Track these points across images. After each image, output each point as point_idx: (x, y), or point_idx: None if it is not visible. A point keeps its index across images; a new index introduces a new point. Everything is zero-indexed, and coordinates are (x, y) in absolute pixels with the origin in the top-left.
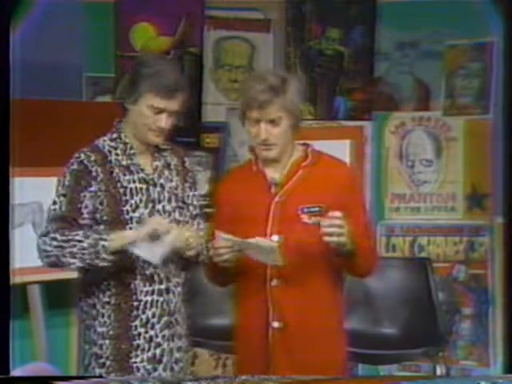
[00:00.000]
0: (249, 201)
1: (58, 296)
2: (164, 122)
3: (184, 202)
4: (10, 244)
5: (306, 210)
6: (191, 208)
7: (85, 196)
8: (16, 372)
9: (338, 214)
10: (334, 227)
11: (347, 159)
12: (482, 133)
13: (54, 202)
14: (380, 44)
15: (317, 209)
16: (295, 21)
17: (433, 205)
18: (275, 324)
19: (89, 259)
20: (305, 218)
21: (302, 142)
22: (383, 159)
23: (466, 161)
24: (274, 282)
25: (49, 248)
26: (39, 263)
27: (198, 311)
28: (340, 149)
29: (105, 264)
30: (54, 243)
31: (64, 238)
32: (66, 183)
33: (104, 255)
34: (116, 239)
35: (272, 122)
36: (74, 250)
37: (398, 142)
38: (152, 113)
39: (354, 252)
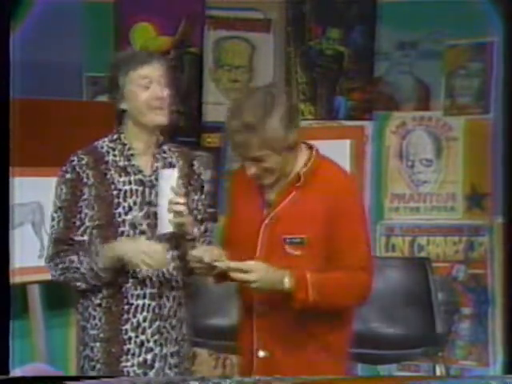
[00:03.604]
0: (246, 217)
1: (57, 296)
2: (159, 90)
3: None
4: (10, 244)
5: (288, 240)
6: (195, 212)
7: (81, 206)
8: (15, 372)
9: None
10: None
11: (347, 159)
12: (482, 133)
13: (53, 218)
14: (380, 44)
15: (298, 240)
16: (295, 21)
17: (432, 205)
18: (260, 353)
19: (91, 280)
20: (287, 248)
21: (309, 143)
22: (383, 159)
23: (466, 161)
24: (260, 310)
25: (54, 273)
26: (39, 263)
27: (197, 311)
28: (340, 149)
29: (108, 278)
30: (58, 271)
31: (63, 265)
32: (63, 196)
33: (102, 274)
34: (104, 257)
35: (255, 159)
36: (76, 275)
37: (398, 141)
38: (142, 88)
39: (296, 293)
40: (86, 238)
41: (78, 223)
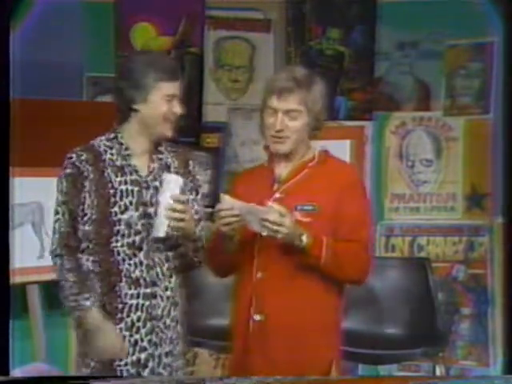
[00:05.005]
0: (253, 195)
1: (57, 296)
2: (178, 107)
3: None
4: (10, 244)
5: (299, 207)
6: (192, 212)
7: (84, 197)
8: (15, 372)
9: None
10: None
11: (347, 159)
12: (482, 133)
13: (57, 211)
14: (380, 44)
15: (310, 207)
16: (295, 21)
17: (432, 205)
18: (257, 317)
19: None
20: (297, 216)
21: (321, 145)
22: (383, 159)
23: (466, 161)
24: (259, 275)
25: (57, 267)
26: (39, 263)
27: (198, 311)
28: (340, 149)
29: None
30: (60, 266)
31: (66, 266)
32: (65, 190)
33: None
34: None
35: (290, 114)
36: (64, 293)
37: (398, 141)
38: (166, 102)
39: (311, 249)
40: (87, 228)
41: (80, 214)
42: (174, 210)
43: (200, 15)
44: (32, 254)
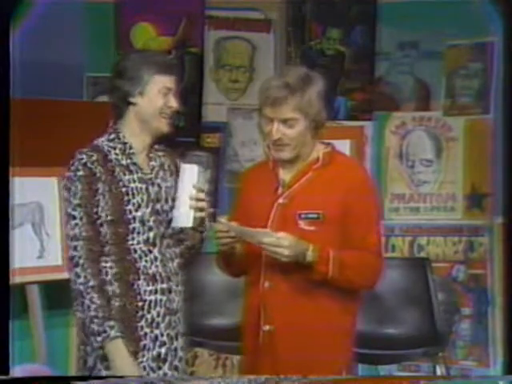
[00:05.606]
0: (258, 199)
1: (57, 296)
2: (174, 101)
3: None
4: (10, 244)
5: (303, 215)
6: None
7: (98, 200)
8: (15, 372)
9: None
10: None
11: None
12: (482, 133)
13: (73, 216)
14: (380, 44)
15: (314, 215)
16: (295, 21)
17: (432, 205)
18: (266, 327)
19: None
20: (301, 224)
21: (326, 141)
22: (383, 159)
23: (466, 161)
24: (267, 284)
25: (73, 285)
26: (38, 263)
27: (198, 311)
28: (340, 149)
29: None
30: (82, 289)
31: (86, 279)
32: (79, 193)
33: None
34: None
35: (286, 122)
36: (88, 313)
37: (398, 142)
38: (162, 95)
39: (317, 265)
40: (103, 230)
41: (95, 216)
42: (198, 200)
43: (200, 15)
44: (32, 254)
